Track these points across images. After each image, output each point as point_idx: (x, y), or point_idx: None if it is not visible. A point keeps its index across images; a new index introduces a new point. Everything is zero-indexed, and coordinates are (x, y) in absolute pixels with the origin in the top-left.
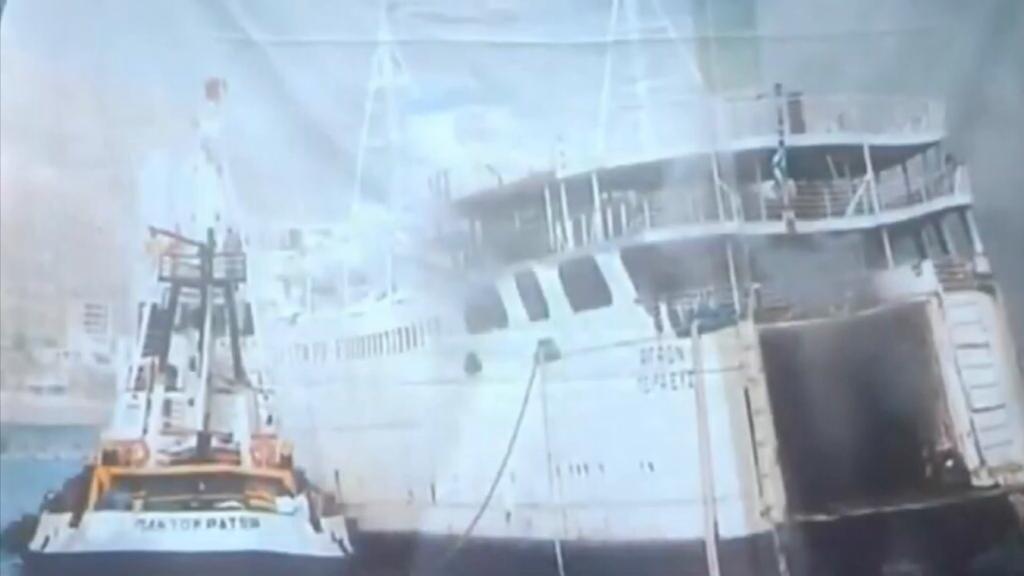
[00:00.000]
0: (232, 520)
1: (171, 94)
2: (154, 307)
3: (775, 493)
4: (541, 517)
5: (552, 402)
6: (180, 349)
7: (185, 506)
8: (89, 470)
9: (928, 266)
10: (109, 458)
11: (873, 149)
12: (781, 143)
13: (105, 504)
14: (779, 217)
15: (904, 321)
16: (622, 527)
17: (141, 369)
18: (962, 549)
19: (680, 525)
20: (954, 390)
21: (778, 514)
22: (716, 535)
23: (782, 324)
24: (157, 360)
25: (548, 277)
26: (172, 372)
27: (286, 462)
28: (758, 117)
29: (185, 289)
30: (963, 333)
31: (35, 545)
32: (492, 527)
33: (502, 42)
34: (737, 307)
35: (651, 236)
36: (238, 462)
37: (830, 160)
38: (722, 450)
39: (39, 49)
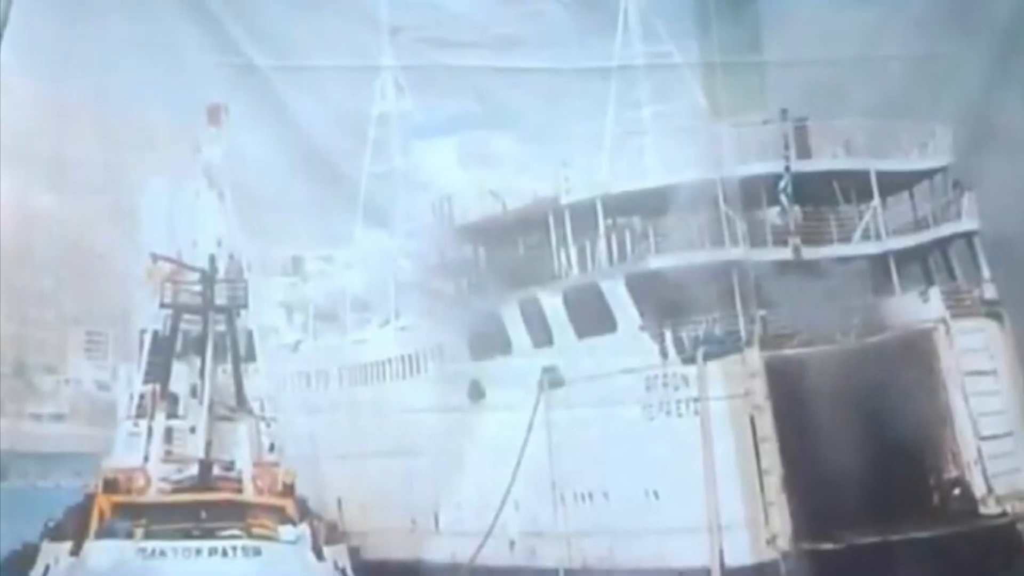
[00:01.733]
0: (234, 548)
1: (172, 119)
2: (155, 334)
3: (781, 521)
4: (545, 545)
5: (556, 430)
6: (181, 376)
7: (186, 534)
8: (90, 498)
9: (935, 292)
10: (110, 486)
11: (880, 175)
12: (787, 169)
13: (106, 532)
14: (785, 243)
15: (911, 348)
16: (627, 555)
17: (142, 396)
18: None
19: (685, 553)
20: (961, 417)
21: (784, 542)
22: (722, 564)
23: (788, 351)
24: (158, 387)
25: (552, 304)
26: (173, 399)
27: (288, 490)
28: (764, 142)
29: (186, 316)
30: (970, 360)
31: (35, 574)
32: (496, 555)
33: (506, 67)
34: (743, 334)
35: (656, 262)
36: (240, 490)
37: (836, 186)
38: (727, 478)
39: (39, 74)
